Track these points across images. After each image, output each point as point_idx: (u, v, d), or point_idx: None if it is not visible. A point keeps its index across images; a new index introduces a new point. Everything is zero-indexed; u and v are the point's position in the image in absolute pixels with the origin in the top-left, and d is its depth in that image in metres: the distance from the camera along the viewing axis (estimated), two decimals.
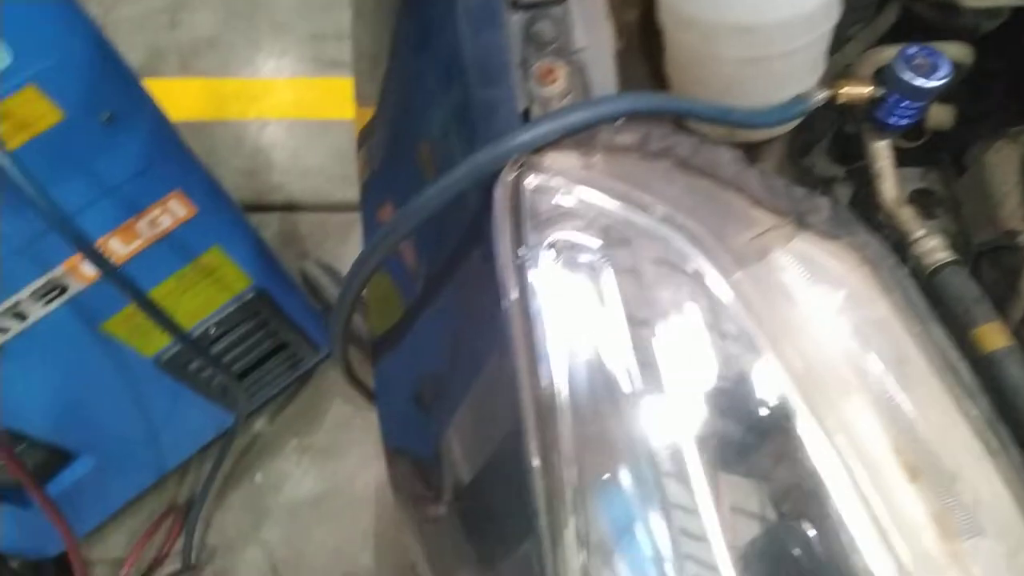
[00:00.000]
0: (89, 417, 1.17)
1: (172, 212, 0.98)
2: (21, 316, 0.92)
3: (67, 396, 1.09)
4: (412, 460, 0.78)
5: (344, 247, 1.85)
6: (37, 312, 0.94)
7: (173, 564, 1.55)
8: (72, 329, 1.00)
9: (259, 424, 1.65)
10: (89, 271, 0.95)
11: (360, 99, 0.89)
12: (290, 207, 1.87)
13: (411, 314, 0.79)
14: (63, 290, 0.94)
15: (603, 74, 0.51)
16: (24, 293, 0.90)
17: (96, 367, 1.09)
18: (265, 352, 1.38)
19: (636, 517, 0.44)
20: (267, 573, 1.56)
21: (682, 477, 0.43)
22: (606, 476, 0.45)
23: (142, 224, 0.96)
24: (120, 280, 0.74)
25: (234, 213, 1.09)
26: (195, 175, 0.98)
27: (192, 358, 1.21)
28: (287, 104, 2.03)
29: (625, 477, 0.44)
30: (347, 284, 0.66)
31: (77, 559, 1.10)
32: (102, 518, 1.47)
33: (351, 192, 1.89)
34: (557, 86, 0.51)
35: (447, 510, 0.70)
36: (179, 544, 1.57)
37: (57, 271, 0.92)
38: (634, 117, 0.48)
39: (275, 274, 1.26)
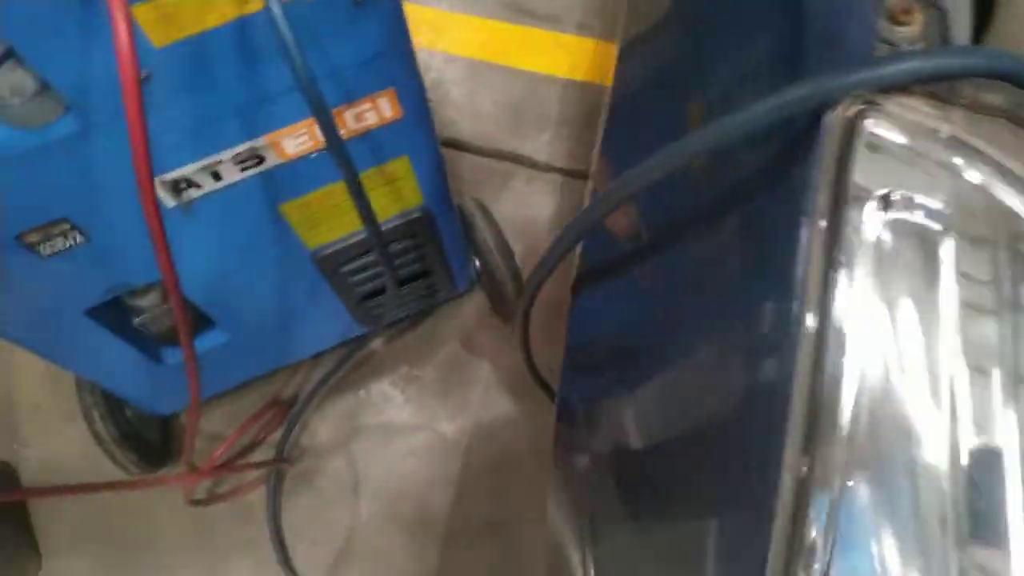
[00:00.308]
0: (239, 292, 1.18)
1: (379, 110, 0.96)
2: (216, 176, 0.93)
3: (228, 266, 1.10)
4: (577, 410, 0.73)
5: (500, 195, 1.83)
6: (232, 176, 0.94)
7: (264, 453, 1.59)
8: (255, 201, 1.00)
9: (376, 343, 1.65)
10: (290, 148, 0.94)
11: (623, 43, 0.83)
12: (456, 145, 1.86)
13: (610, 271, 0.74)
14: (260, 161, 0.94)
15: (962, 26, 0.44)
16: (227, 154, 0.90)
17: (262, 245, 1.10)
18: (409, 275, 1.37)
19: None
20: (348, 486, 1.57)
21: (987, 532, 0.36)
22: (872, 503, 0.39)
23: (349, 115, 0.94)
24: (342, 157, 0.72)
25: (430, 128, 1.06)
26: (411, 78, 0.96)
27: (347, 261, 1.21)
28: (476, 44, 2.01)
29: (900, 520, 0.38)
30: (579, 219, 0.61)
31: (194, 419, 1.12)
32: (213, 392, 1.50)
33: (518, 144, 1.88)
34: (912, 29, 0.44)
35: (595, 466, 0.65)
36: (274, 436, 1.60)
37: (261, 141, 0.91)
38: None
39: (444, 201, 1.23)
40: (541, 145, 1.89)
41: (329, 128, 0.71)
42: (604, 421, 0.67)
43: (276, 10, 0.63)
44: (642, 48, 0.79)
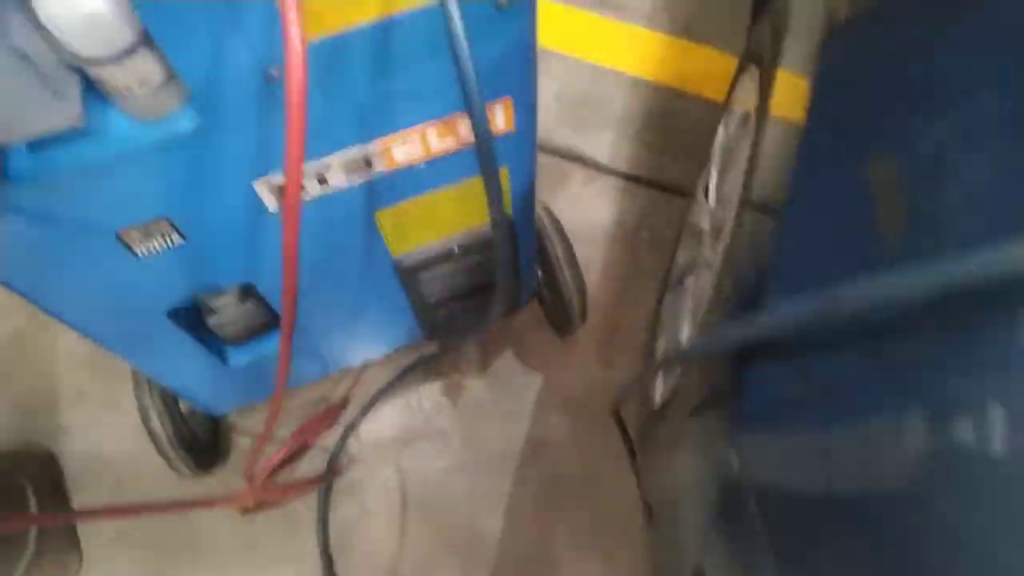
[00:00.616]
0: (317, 295, 1.14)
1: (493, 120, 0.92)
2: (322, 180, 0.89)
3: (313, 269, 1.06)
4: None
5: (556, 194, 1.78)
6: (337, 181, 0.89)
7: (312, 457, 1.55)
8: (353, 207, 0.96)
9: (429, 349, 1.61)
10: (399, 156, 0.90)
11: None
12: None
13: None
14: (368, 167, 0.90)
15: None
16: (338, 158, 0.86)
17: (350, 250, 1.06)
18: (477, 287, 1.33)
19: None
20: (396, 499, 1.53)
21: None
22: None
23: (462, 124, 0.90)
24: (487, 156, 0.67)
25: (534, 141, 1.02)
26: (529, 88, 0.92)
27: (427, 268, 1.17)
28: (544, 29, 1.95)
29: None
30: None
31: (265, 436, 1.08)
32: (268, 395, 1.46)
33: (578, 141, 1.82)
34: None
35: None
36: (323, 440, 1.56)
37: (374, 146, 0.87)
38: None
39: (528, 212, 1.19)
40: (603, 144, 1.83)
41: (483, 127, 0.66)
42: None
43: (453, 6, 0.59)
44: (840, 55, 0.70)
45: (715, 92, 1.88)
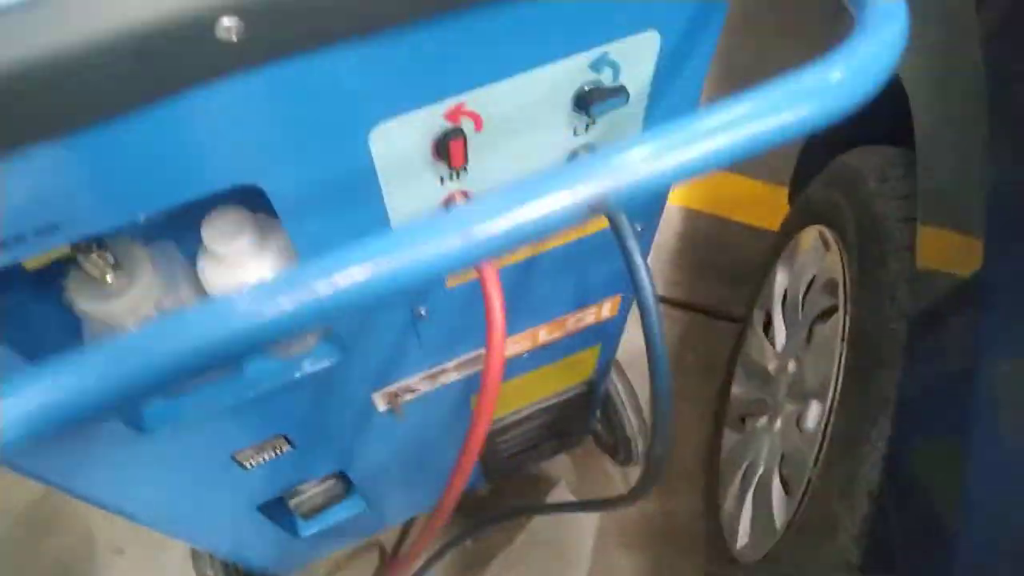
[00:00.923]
0: (396, 469, 1.11)
1: (599, 313, 0.91)
2: (433, 380, 0.87)
3: (401, 450, 1.03)
4: None
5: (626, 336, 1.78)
6: (447, 379, 0.88)
7: None
8: (455, 396, 0.94)
9: (483, 488, 1.57)
10: (510, 351, 0.89)
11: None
12: None
13: None
14: (476, 362, 0.88)
15: None
16: (455, 362, 0.85)
17: (441, 428, 1.03)
18: (551, 435, 1.31)
19: None
20: None
21: None
22: None
23: (571, 319, 0.90)
24: (659, 353, 0.67)
25: (625, 321, 1.02)
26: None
27: (507, 431, 1.15)
28: None
29: None
30: None
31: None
32: (333, 551, 1.41)
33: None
34: None
35: None
36: None
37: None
38: None
39: (607, 373, 1.19)
40: None
41: (656, 331, 0.67)
42: None
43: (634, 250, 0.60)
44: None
45: (746, 216, 1.93)
